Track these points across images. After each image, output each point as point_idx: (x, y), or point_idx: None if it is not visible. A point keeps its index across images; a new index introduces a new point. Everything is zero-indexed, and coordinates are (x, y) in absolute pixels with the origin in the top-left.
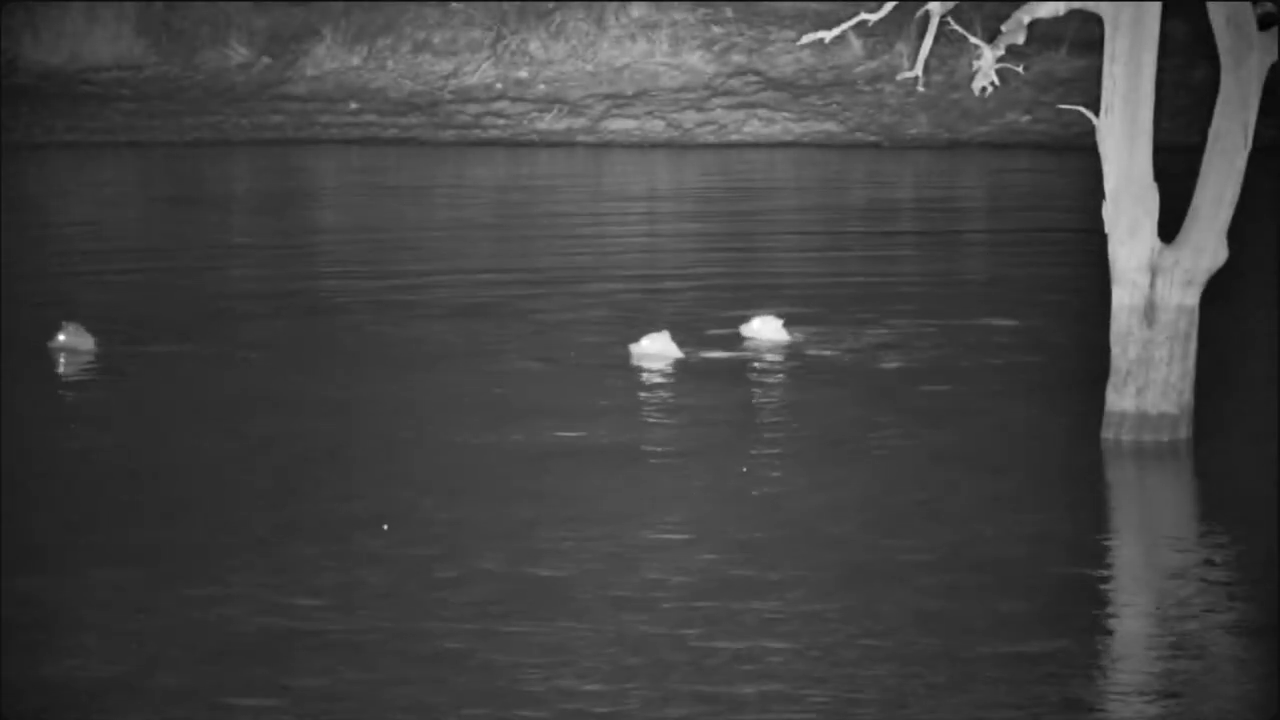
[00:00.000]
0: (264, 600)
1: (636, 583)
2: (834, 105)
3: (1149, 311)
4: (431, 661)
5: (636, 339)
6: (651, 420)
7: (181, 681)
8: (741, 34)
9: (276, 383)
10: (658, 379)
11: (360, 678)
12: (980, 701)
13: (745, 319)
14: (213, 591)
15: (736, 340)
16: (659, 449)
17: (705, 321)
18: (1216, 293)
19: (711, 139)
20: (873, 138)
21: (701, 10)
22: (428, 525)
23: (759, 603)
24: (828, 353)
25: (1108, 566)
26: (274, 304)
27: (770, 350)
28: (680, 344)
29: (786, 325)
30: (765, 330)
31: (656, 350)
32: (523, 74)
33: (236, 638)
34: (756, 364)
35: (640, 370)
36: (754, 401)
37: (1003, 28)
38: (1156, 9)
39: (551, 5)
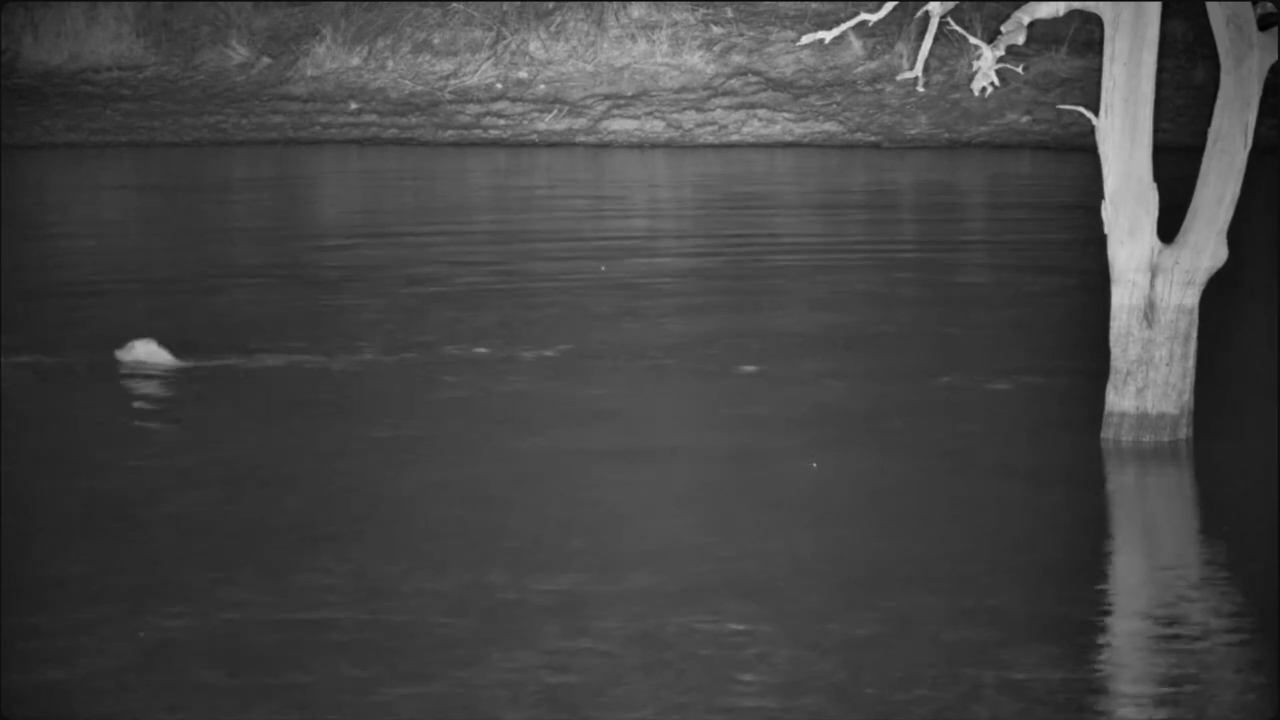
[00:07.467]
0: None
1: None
2: (834, 105)
3: (1149, 311)
4: None
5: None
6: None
7: None
8: (741, 34)
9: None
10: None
11: None
12: (976, 702)
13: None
14: None
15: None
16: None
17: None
18: (1216, 293)
19: (711, 139)
20: (873, 138)
21: (701, 10)
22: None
23: (747, 587)
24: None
25: (1107, 567)
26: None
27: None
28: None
29: (164, 346)
30: (144, 353)
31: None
32: (523, 74)
33: None
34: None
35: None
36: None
37: (1003, 28)
38: (1156, 9)
39: (551, 5)
